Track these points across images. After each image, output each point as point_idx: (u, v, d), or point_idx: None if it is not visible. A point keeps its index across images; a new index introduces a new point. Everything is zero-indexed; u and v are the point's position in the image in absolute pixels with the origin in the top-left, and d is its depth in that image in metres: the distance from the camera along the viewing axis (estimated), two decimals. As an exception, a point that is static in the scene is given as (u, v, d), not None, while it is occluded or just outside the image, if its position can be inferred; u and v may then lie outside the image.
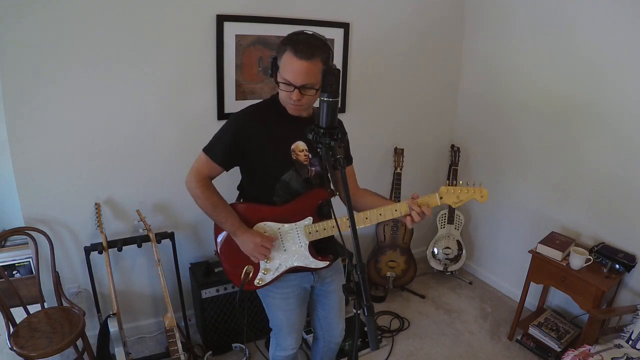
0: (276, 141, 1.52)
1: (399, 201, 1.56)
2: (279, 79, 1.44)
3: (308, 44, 1.37)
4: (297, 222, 1.57)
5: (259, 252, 1.53)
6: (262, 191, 1.58)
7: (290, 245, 1.59)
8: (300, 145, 1.55)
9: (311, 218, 1.56)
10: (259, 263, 1.59)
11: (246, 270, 1.60)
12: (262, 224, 1.58)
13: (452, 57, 3.21)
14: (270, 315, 1.75)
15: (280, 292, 1.67)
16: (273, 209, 1.57)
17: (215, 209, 1.54)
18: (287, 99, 1.46)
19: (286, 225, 1.57)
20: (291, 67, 1.38)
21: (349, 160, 1.74)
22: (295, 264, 1.60)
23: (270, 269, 1.60)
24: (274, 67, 1.45)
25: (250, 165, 1.56)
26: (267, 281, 1.62)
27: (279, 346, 1.79)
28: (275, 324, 1.76)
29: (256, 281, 1.61)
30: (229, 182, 1.71)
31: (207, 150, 1.55)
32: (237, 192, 1.72)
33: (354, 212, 1.58)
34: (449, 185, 1.49)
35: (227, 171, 1.57)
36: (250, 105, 1.58)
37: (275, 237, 1.57)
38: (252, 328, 2.51)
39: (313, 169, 1.58)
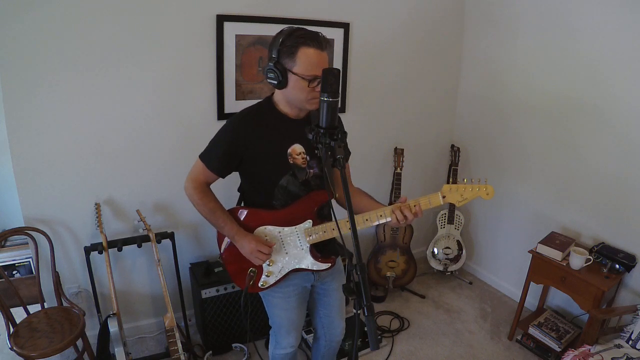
0: (273, 146, 1.51)
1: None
2: (295, 80, 1.38)
3: (317, 36, 1.38)
4: (297, 226, 1.56)
5: (255, 257, 1.53)
6: (261, 195, 1.58)
7: (291, 249, 1.58)
8: (297, 148, 1.53)
9: (311, 221, 1.55)
10: (262, 266, 1.60)
11: (250, 273, 1.60)
12: (262, 228, 1.58)
13: (452, 57, 3.21)
14: (271, 314, 1.75)
15: (280, 291, 1.67)
16: (273, 213, 1.57)
17: (213, 214, 1.55)
18: (308, 95, 1.41)
19: (286, 228, 1.57)
20: (317, 60, 1.36)
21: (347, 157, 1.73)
22: (297, 267, 1.60)
23: (273, 271, 1.60)
24: (284, 73, 1.38)
25: (248, 170, 1.56)
26: (271, 283, 1.62)
27: (279, 344, 1.79)
28: (275, 322, 1.77)
29: (260, 283, 1.62)
30: (228, 186, 1.71)
31: (203, 157, 1.54)
32: (238, 194, 1.71)
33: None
34: (451, 183, 1.48)
35: (223, 178, 1.57)
36: (245, 109, 1.55)
37: (274, 242, 1.57)
38: (252, 328, 2.51)
39: (311, 171, 1.57)
